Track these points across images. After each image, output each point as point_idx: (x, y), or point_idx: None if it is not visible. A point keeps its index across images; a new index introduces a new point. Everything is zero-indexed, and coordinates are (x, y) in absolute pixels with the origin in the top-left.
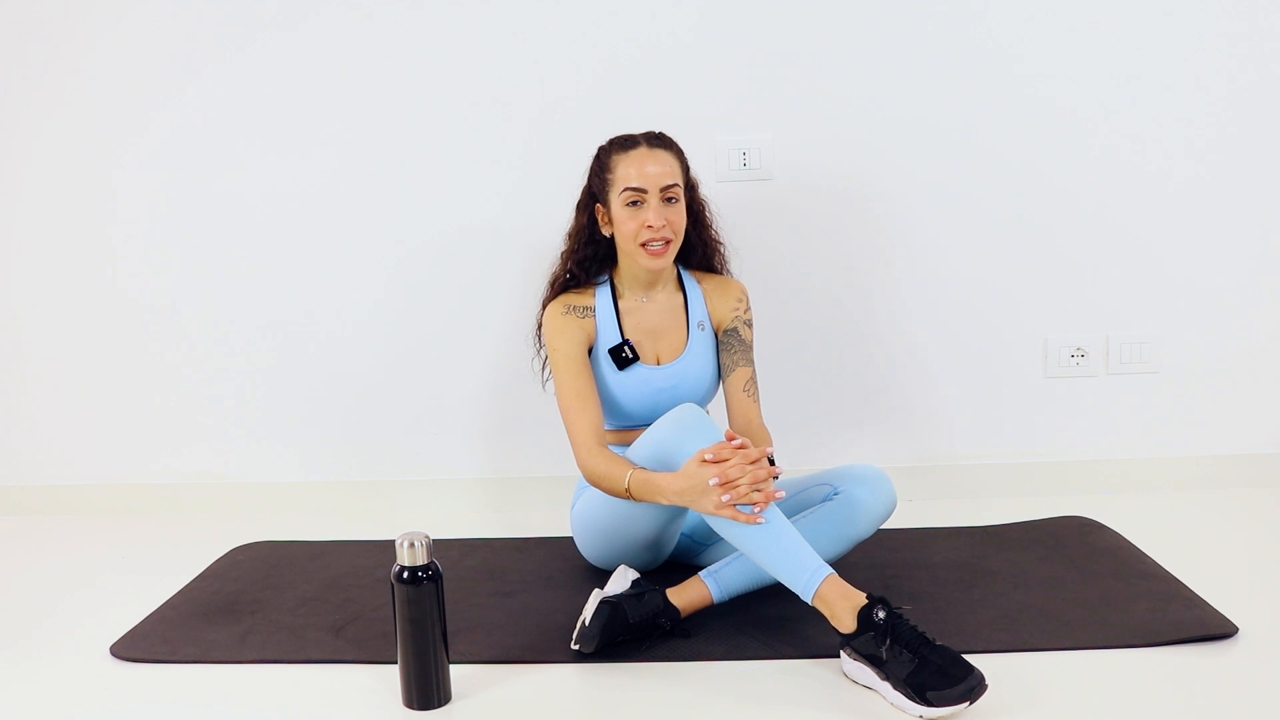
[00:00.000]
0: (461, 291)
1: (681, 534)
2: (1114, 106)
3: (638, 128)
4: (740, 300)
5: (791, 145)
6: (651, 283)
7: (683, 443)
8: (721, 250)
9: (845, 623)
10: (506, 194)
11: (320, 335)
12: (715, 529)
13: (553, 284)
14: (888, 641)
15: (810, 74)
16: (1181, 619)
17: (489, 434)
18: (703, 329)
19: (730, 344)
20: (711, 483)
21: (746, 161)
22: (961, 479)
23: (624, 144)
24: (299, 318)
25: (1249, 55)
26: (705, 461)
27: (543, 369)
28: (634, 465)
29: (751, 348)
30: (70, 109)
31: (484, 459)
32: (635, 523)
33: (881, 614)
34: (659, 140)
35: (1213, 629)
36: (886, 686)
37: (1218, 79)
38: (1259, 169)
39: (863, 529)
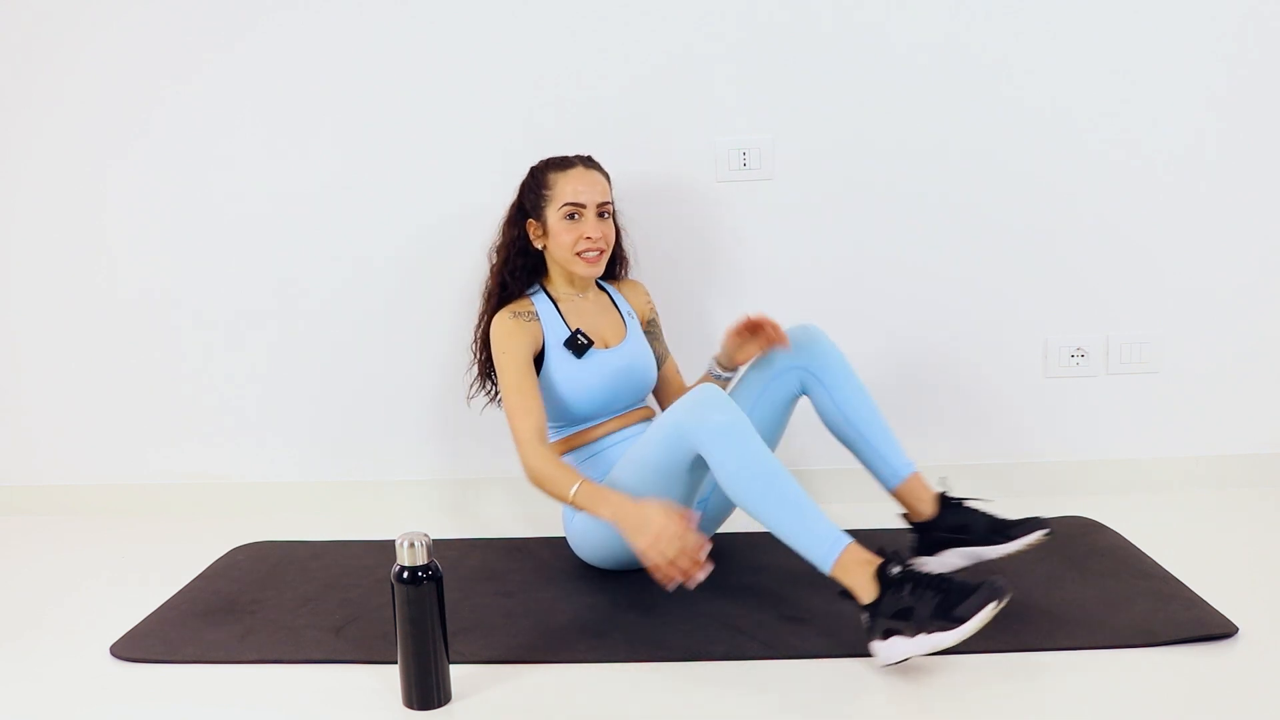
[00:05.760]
0: (463, 291)
1: None
2: (1113, 107)
3: (633, 134)
4: (647, 295)
5: (791, 145)
6: (583, 288)
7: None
8: (628, 261)
9: (868, 589)
10: (507, 195)
11: (320, 334)
12: (730, 497)
13: (488, 298)
14: (910, 586)
15: (810, 74)
16: (1181, 619)
17: (489, 434)
18: (631, 318)
19: (655, 334)
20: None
21: (746, 161)
22: (961, 479)
23: (561, 164)
24: (299, 317)
25: (1249, 56)
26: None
27: (472, 384)
28: (583, 478)
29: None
30: (65, 107)
31: (484, 459)
32: None
33: (896, 569)
34: (592, 162)
35: (1213, 629)
36: (920, 640)
37: (1217, 79)
38: (1259, 170)
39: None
